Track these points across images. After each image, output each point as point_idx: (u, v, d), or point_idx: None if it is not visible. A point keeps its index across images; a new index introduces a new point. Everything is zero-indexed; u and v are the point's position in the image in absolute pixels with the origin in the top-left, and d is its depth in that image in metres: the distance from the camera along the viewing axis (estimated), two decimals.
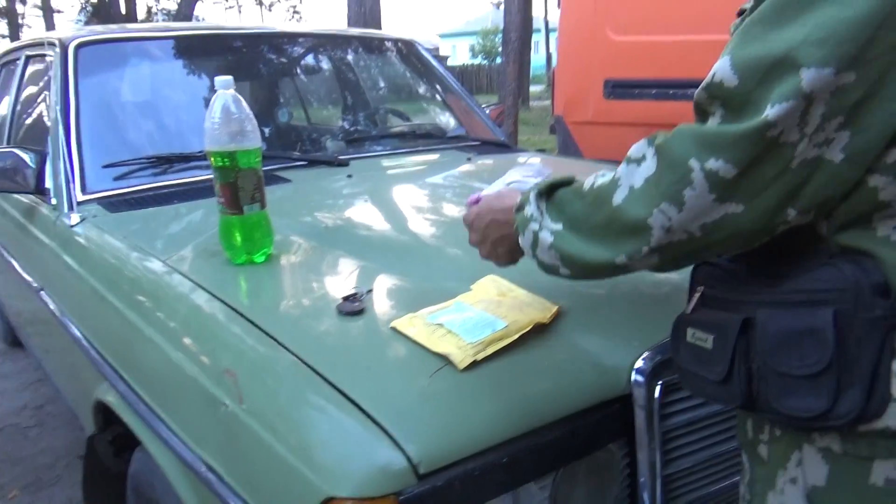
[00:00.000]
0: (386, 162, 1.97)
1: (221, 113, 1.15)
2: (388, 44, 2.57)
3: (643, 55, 4.03)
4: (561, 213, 0.76)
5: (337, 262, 1.24)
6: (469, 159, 2.01)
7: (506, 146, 2.36)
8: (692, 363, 0.74)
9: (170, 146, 1.77)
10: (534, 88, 20.35)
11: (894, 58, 0.54)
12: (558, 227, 0.75)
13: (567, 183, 0.79)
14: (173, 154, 1.74)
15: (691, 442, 1.00)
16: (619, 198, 0.67)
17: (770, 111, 0.55)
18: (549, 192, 0.80)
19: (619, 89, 4.14)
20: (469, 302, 1.07)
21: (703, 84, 0.60)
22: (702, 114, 0.63)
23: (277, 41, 2.29)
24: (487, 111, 2.66)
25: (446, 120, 2.47)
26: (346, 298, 1.07)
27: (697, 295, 0.76)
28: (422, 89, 2.60)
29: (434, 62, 2.70)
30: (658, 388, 0.95)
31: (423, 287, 1.15)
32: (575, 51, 4.23)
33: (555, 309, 1.05)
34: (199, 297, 1.11)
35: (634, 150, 0.67)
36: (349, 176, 1.77)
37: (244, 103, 1.17)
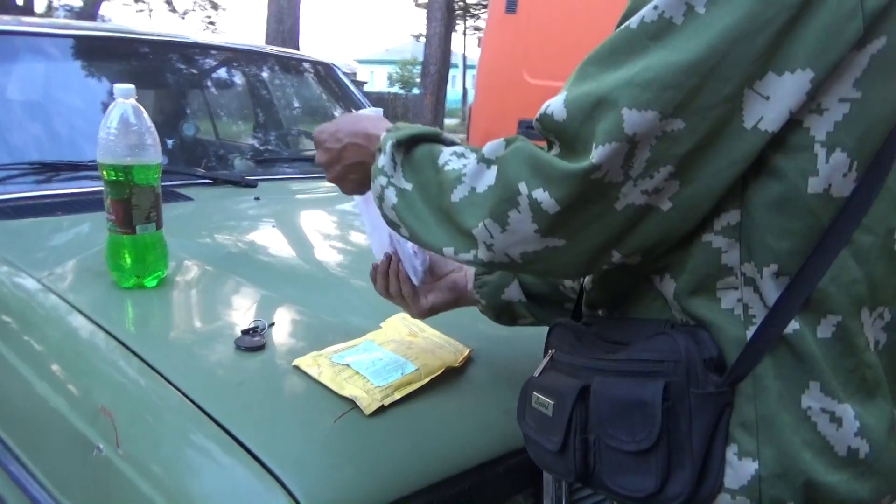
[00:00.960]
0: (296, 186, 1.89)
1: (119, 123, 1.06)
2: (307, 65, 2.51)
3: None
4: (415, 174, 0.68)
5: (237, 291, 1.16)
6: None
7: None
8: (533, 430, 0.71)
9: (57, 153, 1.62)
10: (448, 122, 20.70)
11: (729, 111, 0.54)
12: (408, 186, 0.68)
13: (431, 137, 0.72)
14: (60, 161, 1.60)
15: (592, 493, 0.99)
16: (458, 195, 0.63)
17: (594, 153, 0.54)
18: (410, 143, 0.71)
19: (532, 131, 4.25)
20: (378, 342, 1.02)
21: (536, 115, 0.60)
22: (545, 143, 0.62)
23: (189, 51, 2.17)
24: None
25: None
26: (245, 332, 1.00)
27: (547, 358, 0.73)
28: (337, 114, 2.55)
29: (352, 87, 2.66)
30: None
31: (329, 322, 1.10)
32: (492, 90, 4.32)
33: (467, 352, 1.02)
34: (76, 321, 1.00)
35: (488, 150, 0.63)
36: (256, 198, 1.68)
37: (145, 115, 1.09)
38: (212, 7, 21.06)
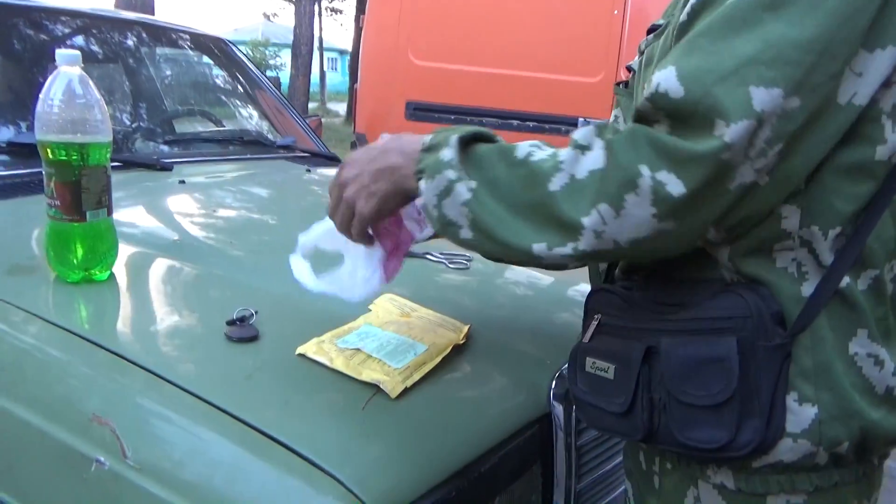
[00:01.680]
0: (217, 168, 1.76)
1: (64, 94, 0.92)
2: (205, 41, 2.32)
3: (443, 81, 4.20)
4: (479, 170, 0.65)
5: (201, 280, 1.06)
6: (309, 171, 1.89)
7: (336, 160, 2.26)
8: (591, 394, 0.72)
9: None
10: (312, 105, 20.13)
11: (831, 89, 0.55)
12: (472, 184, 0.64)
13: (487, 138, 0.69)
14: None
15: (596, 456, 1.02)
16: (557, 184, 0.60)
17: (728, 132, 0.53)
18: (471, 141, 0.68)
19: (419, 112, 4.26)
20: (376, 324, 0.98)
21: (646, 94, 0.58)
22: (643, 122, 0.59)
23: (72, 21, 1.93)
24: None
25: (271, 128, 2.30)
26: (232, 322, 0.92)
27: (595, 323, 0.74)
28: (241, 94, 2.40)
29: (249, 65, 2.51)
30: (574, 409, 0.96)
31: (313, 306, 1.03)
32: (378, 71, 4.26)
33: (466, 328, 1.00)
34: (31, 327, 0.87)
35: (581, 136, 0.61)
36: (181, 182, 1.54)
37: (92, 85, 0.95)
38: None
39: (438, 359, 0.91)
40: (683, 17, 0.62)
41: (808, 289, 0.63)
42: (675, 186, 0.55)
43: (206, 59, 2.51)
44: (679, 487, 0.72)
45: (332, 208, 0.77)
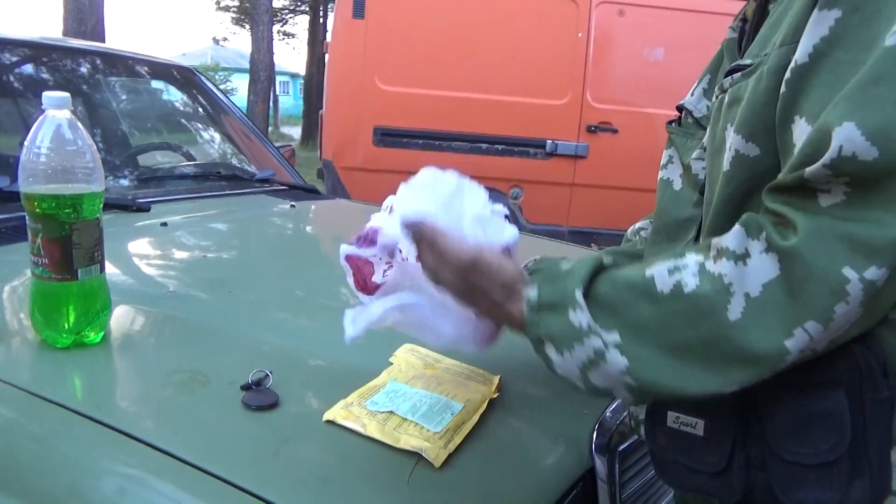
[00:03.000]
0: (197, 206, 1.66)
1: (53, 142, 0.83)
2: (172, 70, 2.23)
3: (411, 106, 4.16)
4: (615, 316, 0.58)
5: (207, 337, 0.97)
6: (293, 206, 1.80)
7: (316, 192, 2.18)
8: (675, 452, 0.67)
9: None
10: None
11: None
12: (614, 337, 0.57)
13: (598, 268, 0.62)
14: None
15: None
16: (735, 312, 0.52)
17: None
18: (587, 284, 0.61)
19: (387, 137, 4.21)
20: (402, 380, 0.91)
21: (822, 161, 0.50)
22: (803, 191, 0.53)
23: (32, 52, 1.82)
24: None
25: (248, 160, 2.20)
26: (247, 387, 0.84)
27: None
28: (214, 126, 2.30)
29: (217, 93, 2.41)
30: (617, 461, 0.90)
31: (328, 362, 0.96)
32: (344, 97, 4.20)
33: (497, 379, 0.94)
34: (24, 404, 0.77)
35: (731, 242, 0.54)
36: (164, 224, 1.44)
37: (83, 129, 0.87)
38: None
39: (476, 417, 0.85)
40: (804, 58, 0.55)
41: None
42: (881, 275, 0.49)
43: (173, 89, 2.41)
44: None
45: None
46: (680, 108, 0.86)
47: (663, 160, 0.85)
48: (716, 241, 0.57)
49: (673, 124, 0.86)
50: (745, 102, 0.62)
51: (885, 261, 0.49)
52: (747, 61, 0.66)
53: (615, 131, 4.08)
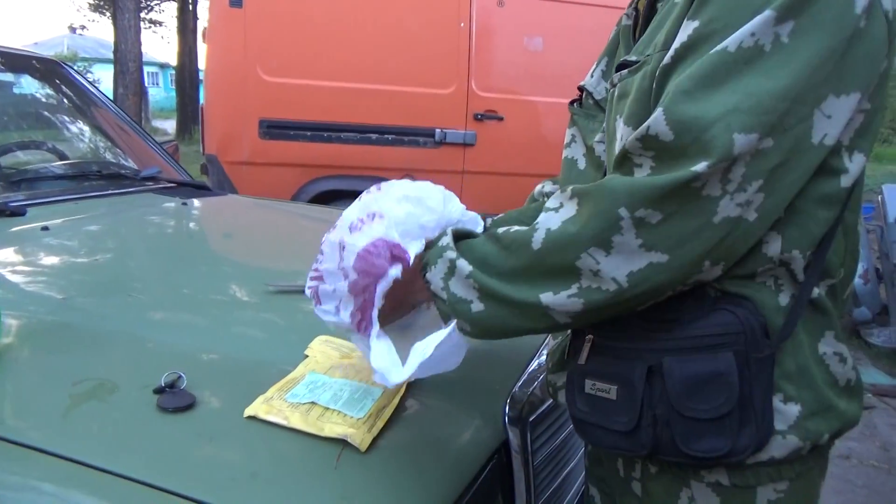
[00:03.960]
0: (78, 208, 1.56)
1: None
2: (35, 62, 2.06)
3: (297, 97, 4.08)
4: (471, 253, 0.71)
5: (111, 343, 0.93)
6: (185, 203, 1.74)
7: (205, 188, 2.11)
8: (592, 415, 0.74)
9: None
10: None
11: (804, 130, 0.61)
12: (469, 267, 0.70)
13: (470, 234, 0.77)
14: None
15: (549, 473, 1.03)
16: (537, 241, 0.66)
17: (700, 165, 0.58)
18: (459, 237, 0.75)
19: (274, 129, 4.10)
20: (320, 370, 0.92)
21: (635, 135, 0.62)
22: (626, 163, 0.64)
23: None
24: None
25: (128, 157, 2.09)
26: (160, 390, 0.82)
27: (588, 344, 0.76)
28: (88, 122, 2.15)
29: (87, 85, 2.26)
30: (528, 431, 0.96)
31: (238, 360, 0.95)
32: (226, 89, 4.05)
33: None
34: None
35: (550, 202, 0.69)
36: (45, 228, 1.35)
37: None
38: None
39: (396, 400, 0.88)
40: (668, 60, 0.65)
41: (784, 299, 0.68)
42: (653, 216, 0.61)
43: (33, 81, 2.23)
44: (670, 490, 0.75)
45: None
46: (581, 89, 0.91)
47: (567, 139, 0.91)
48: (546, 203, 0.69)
49: (575, 104, 0.91)
50: (633, 98, 0.71)
51: (655, 205, 0.60)
52: (633, 58, 0.74)
53: (501, 119, 4.20)
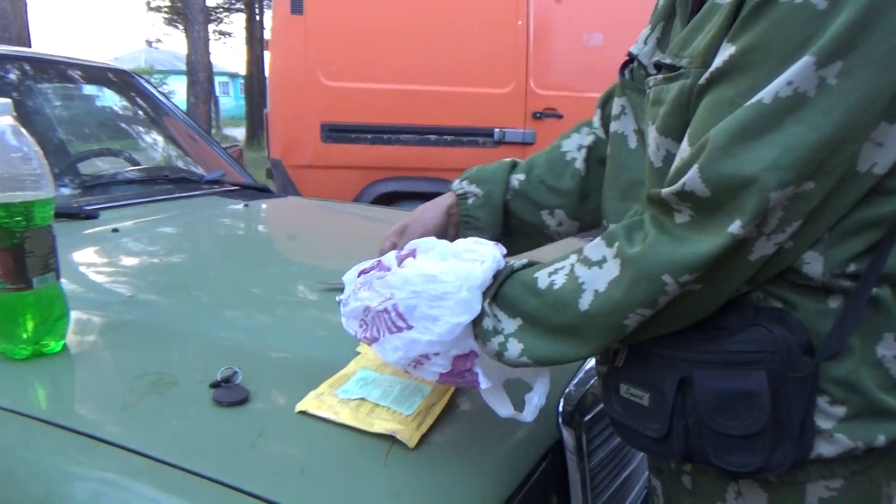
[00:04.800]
0: (147, 211, 1.62)
1: None
2: (111, 75, 2.17)
3: (357, 101, 4.14)
4: (514, 310, 0.71)
5: (171, 340, 0.96)
6: (247, 205, 1.79)
7: (267, 191, 2.17)
8: (627, 417, 0.73)
9: None
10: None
11: (850, 165, 0.59)
12: (517, 322, 0.71)
13: (509, 274, 0.74)
14: None
15: (608, 474, 1.00)
16: (585, 303, 0.66)
17: (737, 227, 0.57)
18: (496, 289, 0.73)
19: (335, 133, 4.17)
20: (372, 367, 0.92)
21: (672, 189, 0.61)
22: (663, 207, 0.63)
23: None
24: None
25: (195, 162, 2.17)
26: (216, 385, 0.84)
27: (626, 348, 0.73)
28: (158, 129, 2.25)
29: (158, 95, 2.36)
30: (584, 431, 0.94)
31: (293, 356, 0.97)
32: (289, 95, 4.14)
33: None
34: None
35: (591, 252, 0.68)
36: (115, 230, 1.41)
37: (27, 135, 0.85)
38: None
39: (446, 398, 0.87)
40: (703, 81, 0.63)
41: (833, 302, 0.64)
42: (695, 278, 0.61)
43: (109, 93, 2.34)
44: (718, 484, 0.72)
45: None
46: (631, 56, 0.84)
47: (615, 109, 0.85)
48: (585, 248, 0.69)
49: (625, 72, 0.85)
50: (668, 108, 0.68)
51: (695, 271, 0.60)
52: (668, 60, 0.70)
53: (560, 117, 4.14)
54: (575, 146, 0.98)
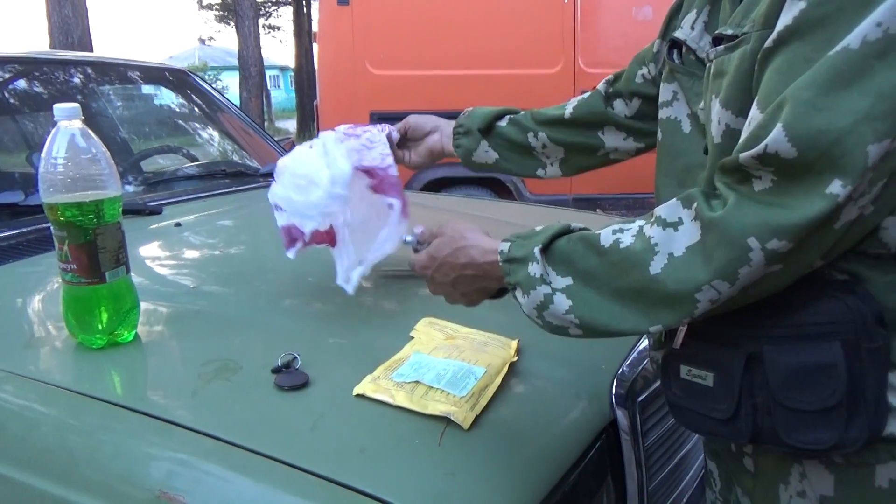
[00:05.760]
0: (207, 205, 1.69)
1: (68, 151, 0.86)
2: (167, 74, 2.24)
3: (405, 88, 4.16)
4: (569, 266, 0.68)
5: (234, 328, 1.01)
6: None
7: None
8: (689, 400, 0.71)
9: None
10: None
11: None
12: (567, 281, 0.67)
13: (565, 231, 0.71)
14: None
15: (662, 454, 1.00)
16: (657, 267, 0.61)
17: (842, 191, 0.53)
18: (550, 242, 0.70)
19: (384, 121, 4.20)
20: (425, 351, 0.94)
21: (752, 152, 0.56)
22: (740, 174, 0.58)
23: (33, 67, 1.84)
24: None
25: (250, 156, 2.23)
26: (277, 370, 0.87)
27: (684, 328, 0.72)
28: (214, 125, 2.32)
29: (213, 92, 2.43)
30: (637, 411, 0.94)
31: (349, 342, 1.00)
32: (337, 85, 4.20)
33: (515, 343, 0.98)
34: (68, 402, 0.81)
35: (666, 212, 0.63)
36: (178, 224, 1.47)
37: (95, 137, 0.90)
38: None
39: (499, 380, 0.89)
40: (770, 43, 0.59)
41: None
42: (786, 246, 0.56)
43: (167, 91, 2.43)
44: (781, 466, 0.71)
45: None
46: (675, 42, 0.82)
47: (665, 96, 0.83)
48: (656, 209, 0.65)
49: (673, 56, 0.82)
50: (731, 79, 0.65)
51: (786, 236, 0.55)
52: (730, 31, 0.67)
53: None
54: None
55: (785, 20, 0.57)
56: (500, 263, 0.73)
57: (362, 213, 1.05)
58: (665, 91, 0.84)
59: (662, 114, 0.84)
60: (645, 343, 1.04)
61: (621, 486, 0.92)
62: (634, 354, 1.01)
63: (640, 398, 0.95)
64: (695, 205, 0.61)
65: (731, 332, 0.66)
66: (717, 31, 0.71)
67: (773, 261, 0.57)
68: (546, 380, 0.93)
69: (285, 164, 1.05)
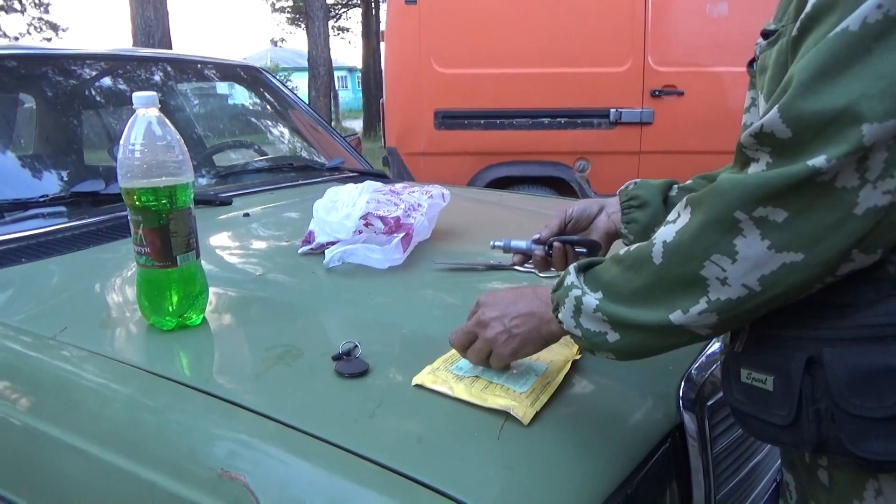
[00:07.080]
0: (274, 197, 1.73)
1: (145, 138, 0.89)
2: (241, 71, 2.31)
3: (469, 87, 4.16)
4: (597, 282, 0.71)
5: (296, 315, 1.02)
6: None
7: (384, 177, 2.23)
8: (750, 405, 0.68)
9: None
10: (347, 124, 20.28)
11: None
12: (598, 295, 0.69)
13: (599, 261, 0.75)
14: (5, 201, 1.36)
15: (732, 462, 0.96)
16: (657, 256, 0.63)
17: (820, 160, 0.53)
18: (585, 268, 0.75)
19: (448, 120, 4.22)
20: None
21: (749, 131, 0.57)
22: (741, 157, 0.60)
23: (107, 64, 1.93)
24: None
25: (317, 151, 2.27)
26: (338, 357, 0.88)
27: (745, 331, 0.69)
28: (284, 120, 2.38)
29: (284, 89, 2.49)
30: (706, 416, 0.90)
31: (410, 333, 1.00)
32: (403, 84, 4.24)
33: None
34: (145, 383, 0.84)
35: (670, 215, 0.65)
36: (246, 215, 1.51)
37: (170, 125, 0.92)
38: (50, 28, 19.21)
39: (560, 377, 0.86)
40: (795, 32, 0.60)
41: None
42: (778, 214, 0.55)
43: (240, 88, 2.50)
44: (856, 481, 0.67)
45: (465, 343, 0.84)
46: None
47: (746, 102, 0.82)
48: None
49: (753, 65, 0.82)
50: (771, 72, 0.65)
51: (767, 200, 0.55)
52: (772, 26, 0.68)
53: (681, 94, 3.95)
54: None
55: (806, 8, 0.58)
56: (551, 295, 0.77)
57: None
58: (747, 98, 0.84)
59: (743, 120, 0.84)
60: (715, 346, 1.00)
61: (686, 493, 0.88)
62: (703, 358, 0.97)
63: (708, 403, 0.91)
64: (686, 197, 0.63)
65: (792, 333, 0.63)
66: (763, 28, 0.71)
67: (771, 232, 0.56)
68: (610, 378, 0.90)
69: (335, 188, 1.36)
